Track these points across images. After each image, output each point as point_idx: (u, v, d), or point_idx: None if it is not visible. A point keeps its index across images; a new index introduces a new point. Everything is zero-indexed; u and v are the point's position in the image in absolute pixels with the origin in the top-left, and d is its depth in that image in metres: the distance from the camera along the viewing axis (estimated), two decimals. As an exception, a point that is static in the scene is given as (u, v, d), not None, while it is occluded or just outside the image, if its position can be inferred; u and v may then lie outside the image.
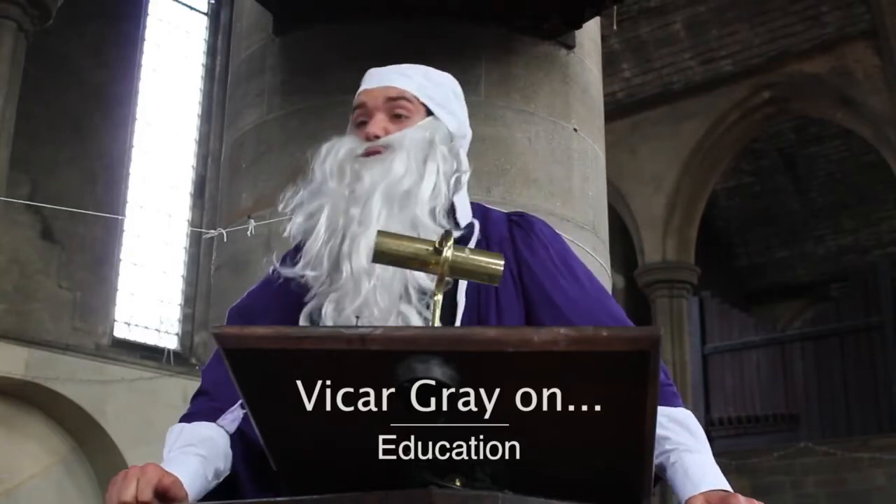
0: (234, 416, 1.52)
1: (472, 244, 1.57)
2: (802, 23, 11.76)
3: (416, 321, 1.47)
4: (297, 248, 1.62)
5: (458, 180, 1.60)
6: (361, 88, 1.65)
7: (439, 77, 1.70)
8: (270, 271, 1.60)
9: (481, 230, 1.62)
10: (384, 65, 1.69)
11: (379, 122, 1.59)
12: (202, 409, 1.56)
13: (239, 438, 1.50)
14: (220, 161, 3.64)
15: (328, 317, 1.49)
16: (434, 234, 1.48)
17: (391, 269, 1.45)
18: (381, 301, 1.47)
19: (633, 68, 12.61)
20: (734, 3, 11.73)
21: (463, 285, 1.54)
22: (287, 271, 1.55)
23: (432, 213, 1.54)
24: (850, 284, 13.79)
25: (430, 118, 1.63)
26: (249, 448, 1.48)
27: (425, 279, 1.49)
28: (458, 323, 1.51)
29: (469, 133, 1.71)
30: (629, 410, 1.11)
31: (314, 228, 1.53)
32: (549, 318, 1.55)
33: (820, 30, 11.77)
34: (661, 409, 1.42)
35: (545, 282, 1.58)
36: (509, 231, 1.63)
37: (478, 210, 1.66)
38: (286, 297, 1.56)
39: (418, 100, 1.63)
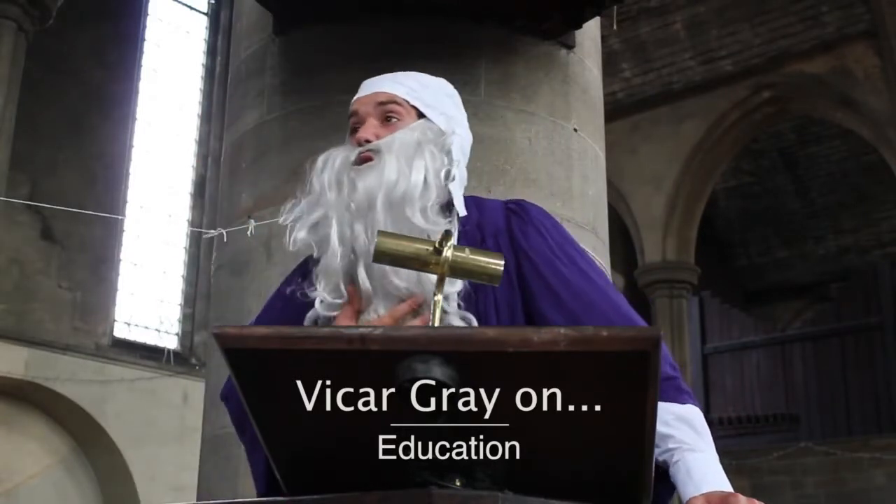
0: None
1: (457, 239, 1.54)
2: (802, 23, 11.75)
3: None
4: (305, 264, 1.64)
5: (447, 174, 1.58)
6: (354, 98, 1.67)
7: (430, 80, 1.70)
8: (287, 292, 1.61)
9: (476, 222, 1.61)
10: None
11: (370, 128, 1.61)
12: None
13: None
14: (220, 161, 3.64)
15: None
16: (426, 233, 1.49)
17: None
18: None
19: (633, 68, 12.60)
20: (734, 3, 11.72)
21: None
22: (313, 294, 1.55)
23: (423, 211, 1.54)
24: (850, 284, 13.78)
25: (422, 120, 1.64)
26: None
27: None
28: None
29: (467, 133, 1.69)
30: (629, 410, 1.10)
31: (324, 243, 1.54)
32: (550, 309, 1.53)
33: (820, 30, 11.76)
34: (666, 406, 1.41)
35: (545, 271, 1.56)
36: (507, 221, 1.61)
37: (472, 202, 1.64)
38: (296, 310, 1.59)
39: (408, 103, 1.64)
